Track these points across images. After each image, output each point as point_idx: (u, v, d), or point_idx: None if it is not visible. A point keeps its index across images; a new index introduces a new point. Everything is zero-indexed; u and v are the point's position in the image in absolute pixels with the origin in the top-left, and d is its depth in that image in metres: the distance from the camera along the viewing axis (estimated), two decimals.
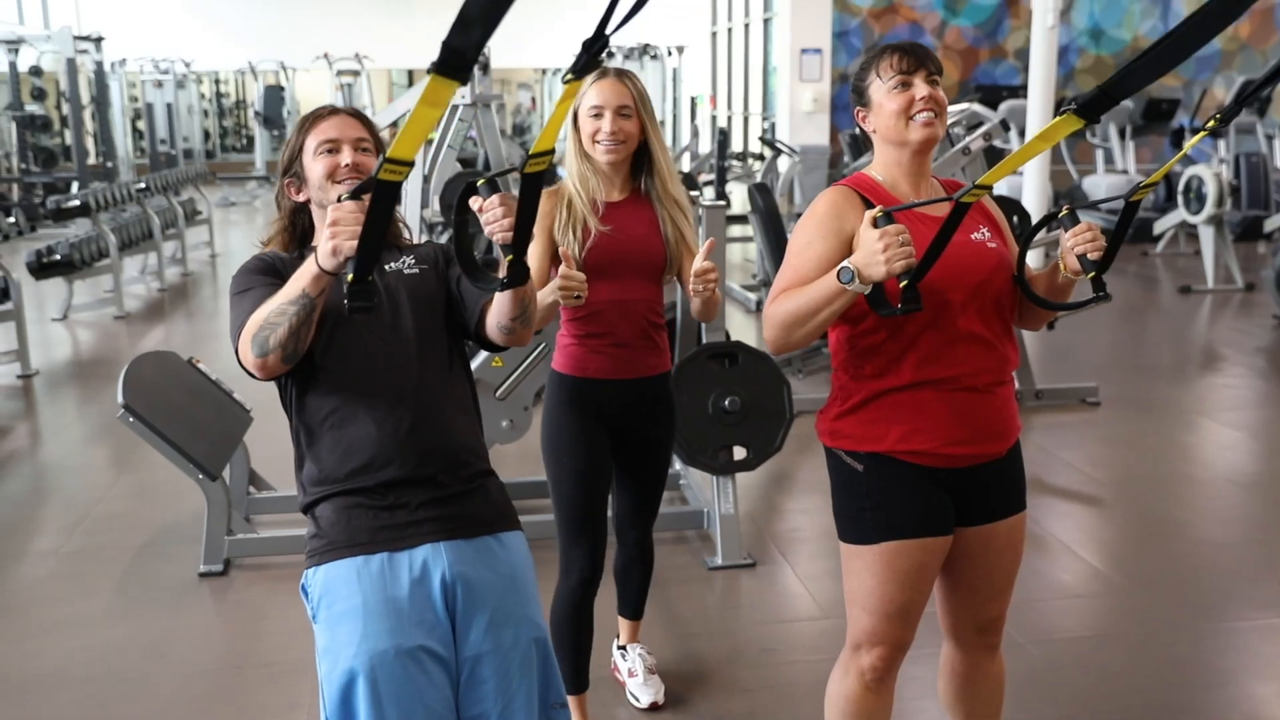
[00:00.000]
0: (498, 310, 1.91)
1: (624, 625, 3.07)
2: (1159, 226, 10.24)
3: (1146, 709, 2.99)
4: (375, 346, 1.90)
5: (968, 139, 5.46)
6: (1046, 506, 4.44)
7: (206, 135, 21.63)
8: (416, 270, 2.01)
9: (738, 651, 3.30)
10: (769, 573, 3.84)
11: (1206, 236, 9.09)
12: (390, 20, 20.67)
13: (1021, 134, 10.76)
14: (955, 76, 14.29)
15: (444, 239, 6.09)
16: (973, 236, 2.08)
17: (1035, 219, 6.47)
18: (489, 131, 5.74)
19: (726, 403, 3.75)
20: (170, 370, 4.04)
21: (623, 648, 3.09)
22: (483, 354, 3.84)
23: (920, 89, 2.04)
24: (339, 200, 1.62)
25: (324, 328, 1.85)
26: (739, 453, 3.88)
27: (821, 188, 2.21)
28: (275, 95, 18.74)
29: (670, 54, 17.95)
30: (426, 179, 5.56)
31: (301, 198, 1.99)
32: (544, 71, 22.53)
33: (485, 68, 5.57)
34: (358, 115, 2.01)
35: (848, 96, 2.20)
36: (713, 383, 3.77)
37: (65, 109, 14.60)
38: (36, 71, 14.89)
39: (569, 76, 1.29)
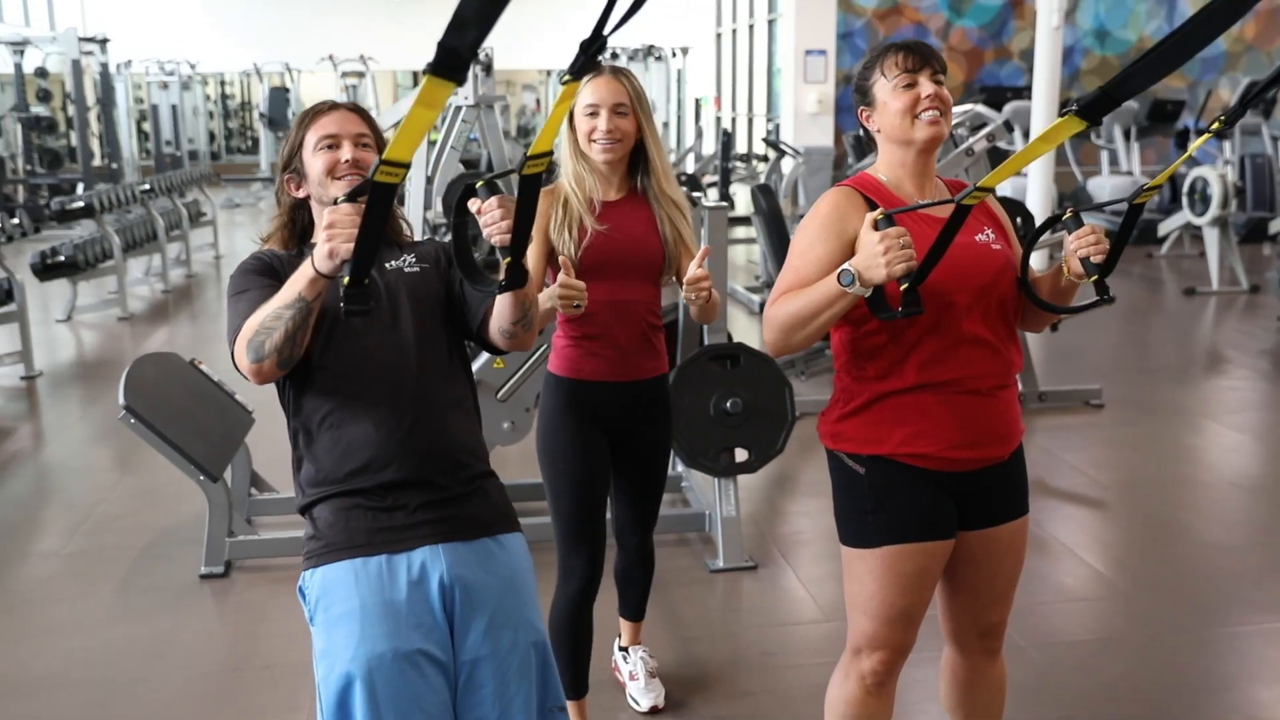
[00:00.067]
0: (499, 314, 1.90)
1: (625, 626, 3.06)
2: (1164, 228, 10.22)
3: (1149, 713, 2.97)
4: (374, 346, 1.89)
5: (971, 140, 5.44)
6: (1049, 509, 4.42)
7: (212, 137, 21.66)
8: (417, 269, 1.99)
9: (739, 654, 3.29)
10: (770, 575, 3.83)
11: (1211, 238, 9.06)
12: (395, 21, 20.68)
13: (1026, 135, 10.74)
14: (960, 78, 14.28)
15: (447, 239, 6.08)
16: (977, 238, 2.07)
17: (1039, 221, 6.46)
18: (492, 132, 5.74)
19: (728, 405, 3.74)
20: (172, 371, 4.04)
21: (624, 649, 3.08)
22: (484, 355, 3.83)
23: (925, 87, 2.02)
24: (335, 203, 1.61)
25: (322, 328, 1.83)
26: (740, 455, 3.88)
27: (825, 189, 2.19)
28: (280, 97, 18.75)
29: (674, 55, 17.95)
30: (429, 180, 5.56)
31: (301, 194, 1.98)
32: (548, 73, 22.55)
33: (488, 68, 5.57)
34: (358, 110, 1.99)
35: (850, 97, 2.18)
36: (714, 384, 3.76)
37: (71, 110, 14.62)
38: (42, 73, 14.92)
39: (566, 78, 1.29)
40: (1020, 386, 5.44)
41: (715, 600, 3.68)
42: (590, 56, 1.25)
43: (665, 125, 17.13)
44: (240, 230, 13.71)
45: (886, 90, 2.05)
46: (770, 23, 16.10)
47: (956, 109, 6.03)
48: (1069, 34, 13.59)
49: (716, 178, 11.70)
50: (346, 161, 1.91)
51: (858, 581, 2.14)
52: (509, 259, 1.58)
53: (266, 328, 1.73)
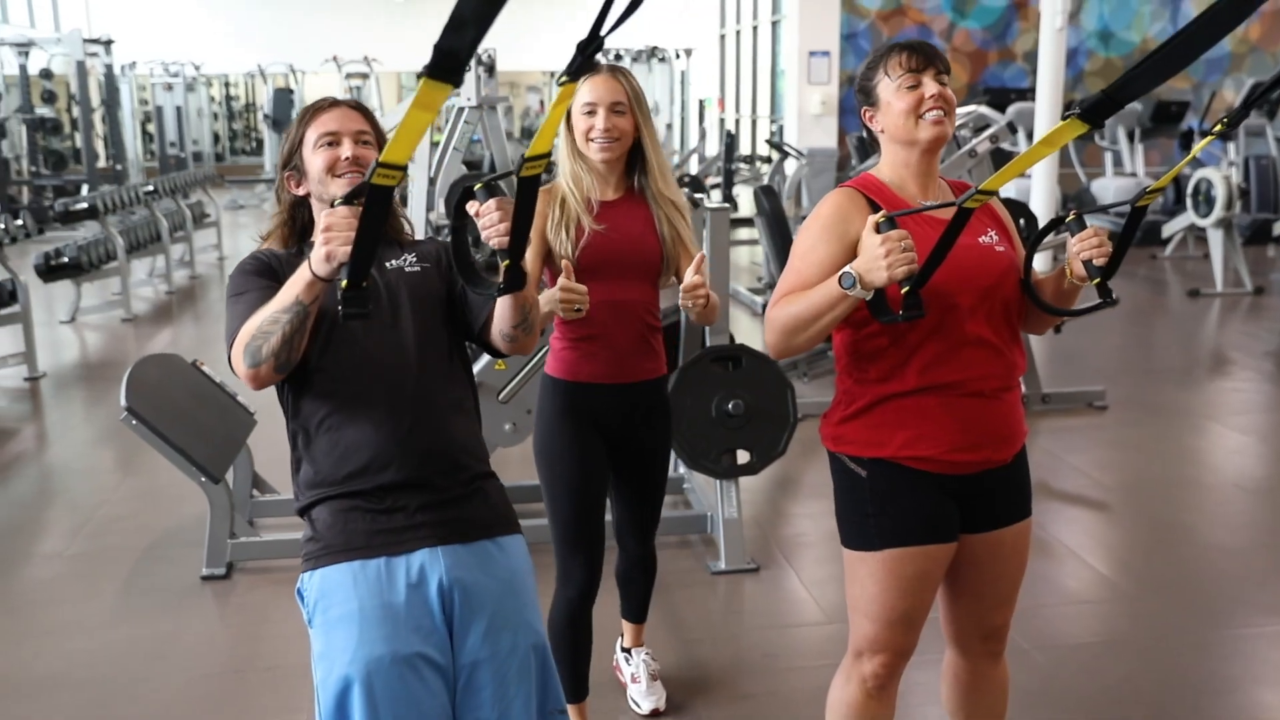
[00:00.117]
0: (499, 317, 1.89)
1: (627, 628, 3.05)
2: (1167, 229, 10.20)
3: (1152, 716, 2.96)
4: (374, 347, 1.87)
5: (974, 141, 5.43)
6: (1053, 511, 4.41)
7: (216, 138, 21.67)
8: (418, 268, 1.98)
9: (740, 657, 3.28)
10: (773, 577, 3.82)
11: (1215, 240, 9.04)
12: (399, 23, 20.71)
13: (1029, 136, 10.72)
14: (964, 79, 14.25)
15: (449, 240, 6.07)
16: (980, 240, 2.06)
17: (1042, 222, 6.45)
18: (494, 134, 5.74)
19: (730, 406, 3.74)
20: (174, 373, 4.04)
21: (627, 650, 3.06)
22: (485, 356, 3.83)
23: (930, 87, 2.01)
24: (332, 205, 1.60)
25: (321, 328, 1.82)
26: (742, 456, 3.87)
27: (829, 191, 2.18)
28: (284, 98, 18.76)
29: (678, 57, 17.95)
30: (432, 182, 5.56)
31: (301, 191, 1.96)
32: (552, 74, 22.53)
33: (491, 70, 5.57)
34: (359, 108, 1.98)
35: (854, 98, 2.17)
36: (716, 386, 3.76)
37: (75, 112, 14.63)
38: (47, 74, 14.93)
39: (563, 79, 1.28)
40: (1023, 388, 5.42)
41: (717, 602, 3.68)
42: (587, 57, 1.24)
43: (669, 127, 17.13)
44: (244, 231, 13.71)
45: (890, 90, 2.04)
46: (774, 24, 16.09)
47: (960, 110, 6.02)
48: (1073, 35, 13.57)
49: (720, 179, 11.68)
50: (347, 159, 1.89)
51: (859, 584, 2.13)
52: (507, 262, 1.57)
53: (263, 332, 1.72)
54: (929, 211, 2.02)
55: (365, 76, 18.37)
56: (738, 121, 18.31)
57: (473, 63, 4.41)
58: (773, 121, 16.20)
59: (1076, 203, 11.55)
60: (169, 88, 18.47)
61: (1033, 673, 3.14)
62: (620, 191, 2.56)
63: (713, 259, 3.91)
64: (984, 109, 6.12)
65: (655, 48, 17.37)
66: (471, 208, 1.67)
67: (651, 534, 2.82)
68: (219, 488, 3.78)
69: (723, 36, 19.09)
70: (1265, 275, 9.46)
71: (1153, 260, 10.60)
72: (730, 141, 11.43)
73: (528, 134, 22.62)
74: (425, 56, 1.11)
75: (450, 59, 1.10)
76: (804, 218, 2.15)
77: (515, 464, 4.49)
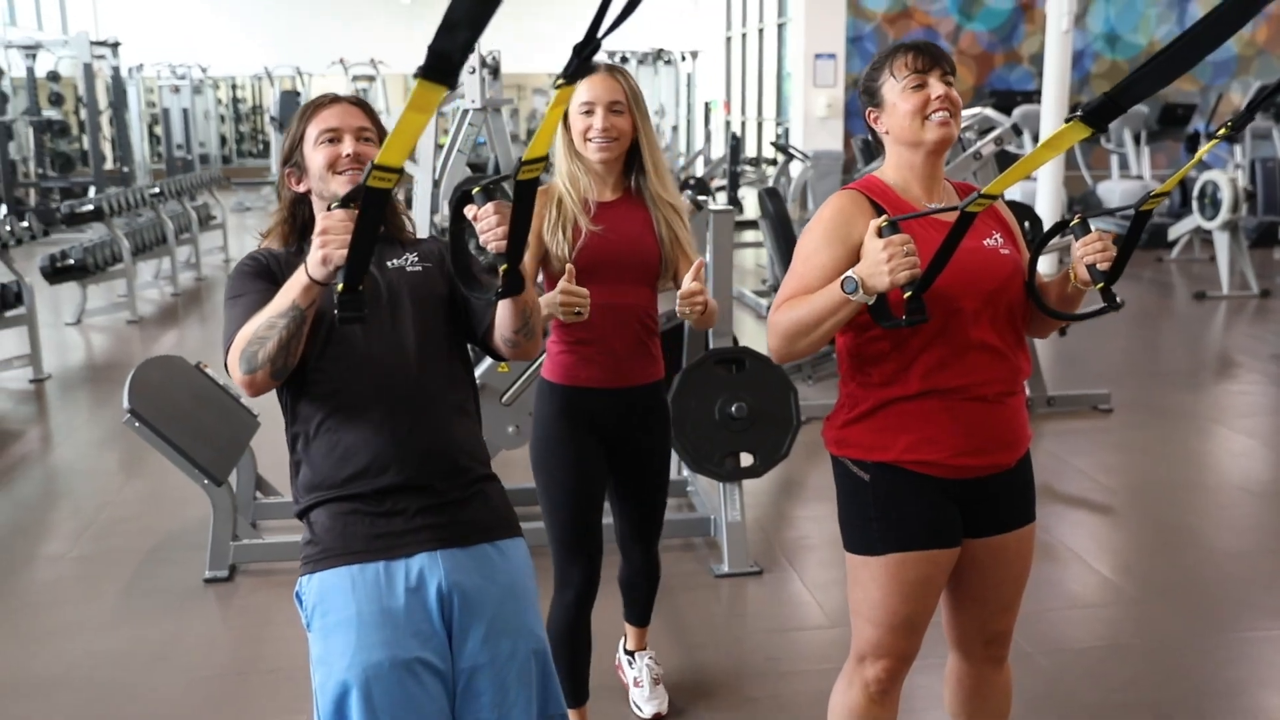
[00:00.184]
0: (500, 322, 1.87)
1: (630, 631, 3.03)
2: (1174, 232, 10.17)
3: None
4: (373, 347, 1.86)
5: (979, 143, 5.42)
6: (1057, 514, 4.40)
7: (223, 140, 21.71)
8: (419, 268, 1.96)
9: (743, 660, 3.27)
10: (776, 581, 3.81)
11: (1221, 242, 9.02)
12: (406, 25, 20.73)
13: (1035, 139, 10.70)
14: (970, 82, 14.24)
15: None
16: (985, 243, 2.05)
17: (1048, 225, 6.43)
18: (499, 136, 5.73)
19: (733, 409, 3.73)
20: (177, 375, 4.04)
21: (630, 653, 3.05)
22: (488, 358, 3.82)
23: (936, 88, 2.00)
24: (328, 209, 1.60)
25: (320, 329, 1.80)
26: (746, 459, 3.86)
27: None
28: (291, 100, 18.78)
29: (684, 59, 17.95)
30: (436, 184, 5.55)
31: (302, 188, 1.95)
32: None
33: (495, 72, 5.56)
34: (360, 104, 1.96)
35: (858, 100, 2.15)
36: (720, 388, 3.75)
37: (83, 114, 14.65)
38: (54, 77, 14.96)
39: (560, 81, 1.27)
40: (1028, 391, 5.41)
41: (720, 606, 3.67)
42: (584, 60, 1.23)
43: (674, 129, 17.12)
44: (250, 234, 13.71)
45: (896, 91, 2.02)
46: (780, 27, 16.09)
47: (965, 112, 6.01)
48: (1079, 38, 13.54)
49: (725, 182, 11.68)
50: (348, 156, 1.88)
51: (862, 589, 2.12)
52: (505, 266, 1.56)
53: (260, 337, 1.70)
54: (934, 214, 2.01)
55: (372, 79, 18.39)
56: (743, 124, 18.30)
57: (477, 65, 4.40)
58: (778, 124, 16.19)
59: (1082, 205, 11.53)
60: (176, 90, 18.51)
61: (1037, 677, 3.12)
62: (618, 192, 2.53)
63: (716, 262, 3.91)
64: (989, 111, 6.12)
65: (661, 50, 17.36)
66: (469, 211, 1.66)
67: (655, 543, 2.78)
68: (222, 490, 3.78)
69: (729, 39, 19.10)
70: (1271, 278, 9.44)
71: (1159, 263, 10.58)
72: (735, 144, 11.42)
73: (532, 136, 22.64)
74: None
75: (444, 60, 1.09)
76: (809, 220, 2.13)
77: (518, 466, 4.48)
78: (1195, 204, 9.28)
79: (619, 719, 2.97)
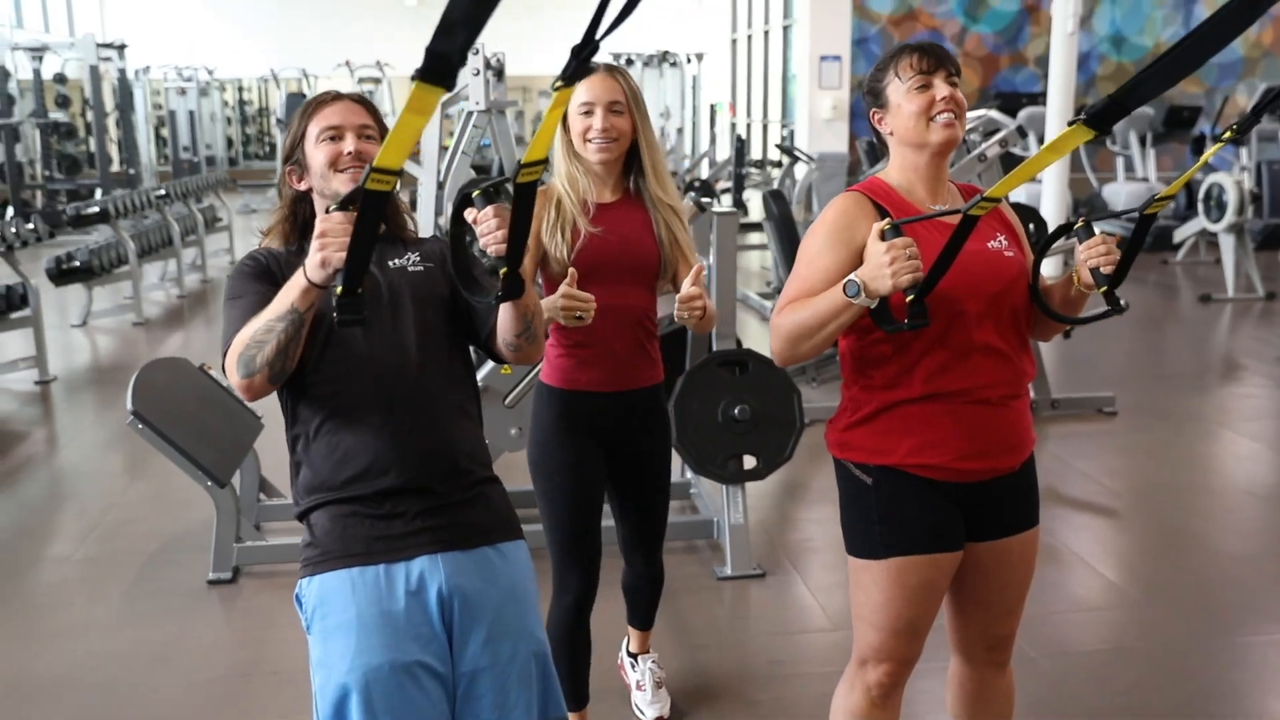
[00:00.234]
0: (501, 327, 1.86)
1: (634, 634, 3.03)
2: (1179, 234, 10.15)
3: None
4: (374, 347, 1.84)
5: (984, 145, 5.41)
6: (1061, 518, 4.39)
7: (230, 142, 21.73)
8: (421, 268, 1.94)
9: (746, 663, 3.27)
10: (779, 583, 3.81)
11: (1227, 245, 9.00)
12: (412, 27, 20.73)
13: (1041, 141, 10.69)
14: (975, 84, 14.22)
15: None
16: (989, 245, 2.04)
17: (1052, 228, 6.42)
18: (503, 138, 5.73)
19: (736, 411, 3.73)
20: (181, 377, 4.05)
21: (633, 655, 3.04)
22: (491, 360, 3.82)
23: (941, 89, 1.99)
24: (327, 211, 1.59)
25: (320, 330, 1.79)
26: (749, 461, 3.86)
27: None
28: (297, 102, 18.77)
29: (690, 61, 17.93)
30: (441, 186, 5.56)
31: (303, 186, 1.94)
32: None
33: (500, 74, 5.57)
34: (362, 101, 1.94)
35: (862, 101, 2.15)
36: (723, 390, 3.75)
37: (89, 116, 14.69)
38: (61, 79, 15.00)
39: (558, 84, 1.27)
40: (1032, 394, 5.40)
41: (723, 608, 3.67)
42: (582, 62, 1.23)
43: (680, 131, 17.11)
44: (256, 236, 13.74)
45: (900, 92, 2.01)
46: (785, 29, 16.07)
47: (970, 115, 6.00)
48: (1085, 40, 13.51)
49: (730, 184, 11.68)
50: (349, 154, 1.86)
51: (864, 592, 2.12)
52: (505, 269, 1.56)
53: (258, 341, 1.69)
54: (937, 217, 2.00)
55: (378, 81, 18.41)
56: (749, 126, 18.29)
57: (481, 66, 4.40)
58: (784, 126, 16.18)
59: (1088, 208, 11.51)
60: (182, 92, 18.53)
61: (1040, 680, 3.12)
62: (617, 194, 2.51)
63: (720, 264, 3.91)
64: (994, 113, 6.10)
65: (667, 52, 17.35)
66: (470, 215, 1.66)
67: (658, 551, 2.76)
68: (225, 492, 3.78)
69: (734, 41, 19.08)
70: (1277, 281, 9.42)
71: (1164, 265, 10.56)
72: (740, 146, 11.42)
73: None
74: None
75: (441, 62, 1.09)
76: (813, 222, 2.12)
77: (521, 468, 4.48)
78: (1201, 206, 9.26)
79: None
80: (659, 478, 2.67)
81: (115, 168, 15.22)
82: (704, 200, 4.15)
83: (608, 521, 2.65)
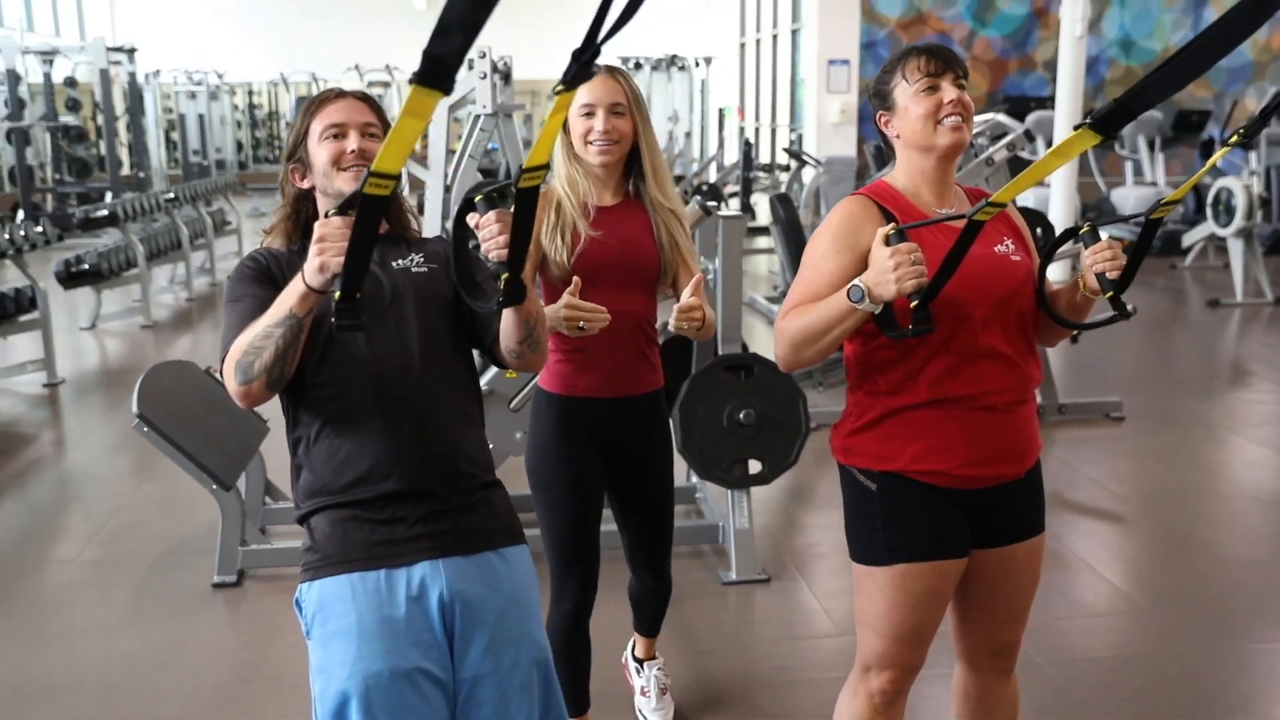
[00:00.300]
0: (504, 333, 1.84)
1: (639, 640, 3.01)
2: (1187, 239, 10.12)
3: None
4: (376, 349, 1.82)
5: (991, 149, 5.40)
6: (1068, 523, 4.37)
7: (239, 146, 21.78)
8: (425, 269, 1.92)
9: (750, 668, 3.26)
10: (784, 588, 3.80)
11: (1236, 249, 8.97)
12: (420, 31, 20.61)
13: (1048, 145, 10.66)
14: (984, 87, 14.20)
15: None
16: (996, 249, 2.03)
17: (1059, 232, 6.39)
18: (510, 141, 5.73)
19: (741, 415, 3.72)
20: (187, 380, 4.05)
21: (639, 661, 3.02)
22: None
23: (948, 92, 1.98)
24: (325, 216, 1.59)
25: (320, 333, 1.77)
26: (754, 466, 3.85)
27: None
28: None
29: (698, 65, 17.94)
30: (448, 190, 5.56)
31: (306, 184, 1.92)
32: None
33: (507, 77, 5.57)
34: (366, 99, 1.93)
35: (869, 103, 2.13)
36: (728, 395, 3.74)
37: (99, 120, 14.74)
38: (71, 82, 15.06)
39: (559, 88, 1.26)
40: (1039, 399, 5.38)
41: (728, 613, 3.66)
42: (584, 65, 1.22)
43: (688, 135, 17.12)
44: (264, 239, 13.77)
45: (908, 95, 2.00)
46: (794, 33, 16.07)
47: (977, 119, 5.98)
48: (1093, 44, 13.49)
49: (738, 187, 11.68)
50: (353, 152, 1.85)
51: (868, 599, 2.11)
52: (507, 275, 1.55)
53: (256, 347, 1.68)
54: (942, 222, 1.99)
55: (387, 85, 18.45)
56: (757, 130, 18.29)
57: (489, 70, 4.40)
58: (792, 130, 16.18)
59: (1096, 212, 11.47)
60: (192, 96, 18.58)
61: (1045, 687, 3.10)
62: (618, 197, 2.49)
63: (725, 268, 3.91)
64: (1001, 117, 6.09)
65: (675, 56, 17.37)
66: (472, 219, 1.65)
67: (667, 565, 2.73)
68: (230, 495, 3.79)
69: (743, 45, 19.09)
70: None
71: (1172, 270, 10.52)
72: (748, 150, 11.41)
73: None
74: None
75: (439, 65, 1.08)
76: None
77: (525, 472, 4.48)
78: (1209, 211, 9.22)
79: None
80: (659, 484, 2.63)
81: (125, 171, 15.26)
82: (710, 204, 4.14)
83: (608, 526, 2.63)
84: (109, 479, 5.07)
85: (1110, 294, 1.95)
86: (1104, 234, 2.01)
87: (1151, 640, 3.43)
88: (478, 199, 1.62)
